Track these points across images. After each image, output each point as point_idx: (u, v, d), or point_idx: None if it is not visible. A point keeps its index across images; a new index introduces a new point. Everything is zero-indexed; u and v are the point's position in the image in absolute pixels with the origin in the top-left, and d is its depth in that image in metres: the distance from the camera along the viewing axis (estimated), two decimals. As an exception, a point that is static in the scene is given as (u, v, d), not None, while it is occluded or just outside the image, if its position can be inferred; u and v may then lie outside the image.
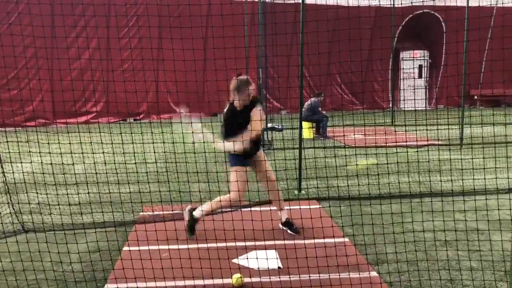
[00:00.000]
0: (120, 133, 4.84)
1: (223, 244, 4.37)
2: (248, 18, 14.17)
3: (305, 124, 11.91)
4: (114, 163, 5.59)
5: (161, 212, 5.72)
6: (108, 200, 5.95)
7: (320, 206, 5.92)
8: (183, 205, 5.26)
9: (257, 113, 4.65)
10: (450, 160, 6.58)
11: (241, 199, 4.80)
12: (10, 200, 5.43)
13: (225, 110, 4.86)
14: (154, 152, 5.77)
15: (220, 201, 4.88)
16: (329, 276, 3.84)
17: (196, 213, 4.94)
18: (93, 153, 5.50)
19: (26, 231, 5.15)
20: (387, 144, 8.77)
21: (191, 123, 4.66)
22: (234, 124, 4.72)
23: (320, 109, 12.90)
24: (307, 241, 4.53)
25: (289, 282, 3.77)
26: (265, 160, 4.95)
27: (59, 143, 4.84)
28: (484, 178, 5.85)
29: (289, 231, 5.02)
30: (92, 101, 17.11)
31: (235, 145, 4.59)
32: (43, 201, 5.57)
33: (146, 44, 16.39)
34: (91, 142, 4.80)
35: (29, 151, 4.77)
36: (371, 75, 20.09)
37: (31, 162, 5.09)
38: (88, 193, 6.02)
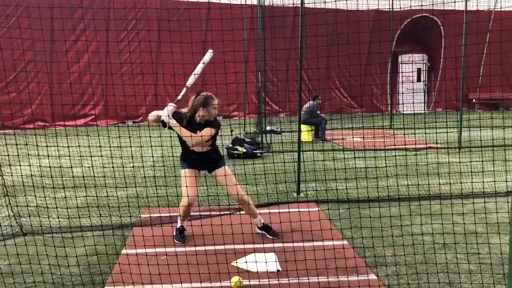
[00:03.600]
0: (119, 136, 4.85)
1: (222, 247, 4.37)
2: (247, 22, 14.20)
3: (304, 127, 11.92)
4: (112, 166, 5.58)
5: (159, 215, 5.71)
6: (106, 203, 5.94)
7: (319, 208, 5.92)
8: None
9: (209, 129, 4.54)
10: (448, 163, 6.59)
11: (191, 204, 4.73)
12: (9, 203, 5.42)
13: (181, 112, 4.63)
14: (153, 156, 5.78)
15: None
16: (327, 279, 3.84)
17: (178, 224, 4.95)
18: (91, 156, 5.51)
19: (25, 233, 5.14)
20: (386, 147, 8.79)
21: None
22: (186, 129, 4.51)
23: (319, 112, 12.91)
24: (305, 244, 4.53)
25: (288, 285, 3.78)
26: (225, 175, 4.68)
27: (57, 146, 4.84)
28: (483, 181, 5.87)
29: (267, 235, 4.93)
30: (91, 104, 17.11)
31: (165, 111, 4.47)
32: (41, 204, 5.56)
33: (145, 47, 16.40)
34: (89, 146, 4.80)
35: (28, 154, 4.77)
36: (370, 79, 20.12)
37: (29, 165, 5.09)
38: (86, 196, 6.03)
